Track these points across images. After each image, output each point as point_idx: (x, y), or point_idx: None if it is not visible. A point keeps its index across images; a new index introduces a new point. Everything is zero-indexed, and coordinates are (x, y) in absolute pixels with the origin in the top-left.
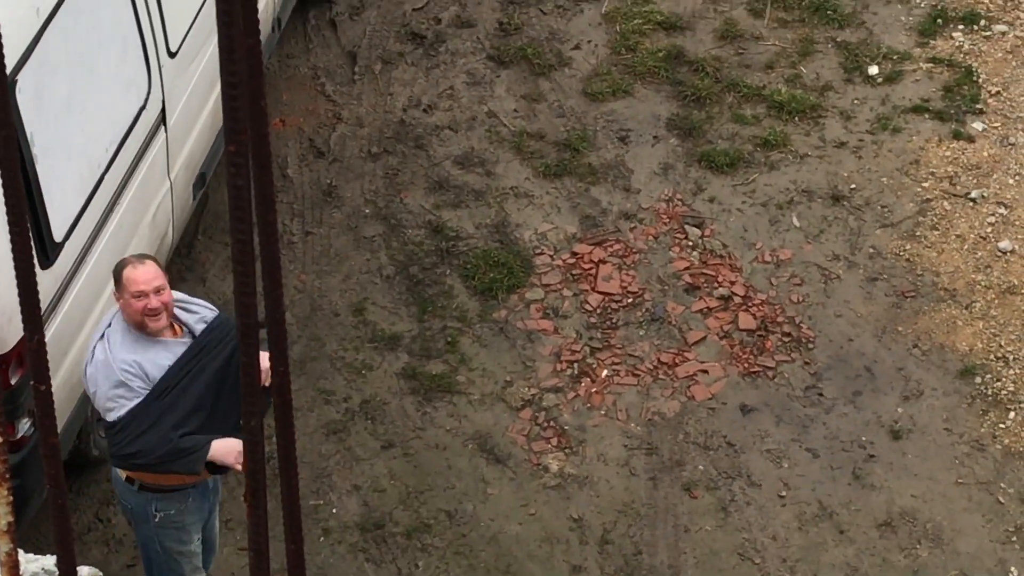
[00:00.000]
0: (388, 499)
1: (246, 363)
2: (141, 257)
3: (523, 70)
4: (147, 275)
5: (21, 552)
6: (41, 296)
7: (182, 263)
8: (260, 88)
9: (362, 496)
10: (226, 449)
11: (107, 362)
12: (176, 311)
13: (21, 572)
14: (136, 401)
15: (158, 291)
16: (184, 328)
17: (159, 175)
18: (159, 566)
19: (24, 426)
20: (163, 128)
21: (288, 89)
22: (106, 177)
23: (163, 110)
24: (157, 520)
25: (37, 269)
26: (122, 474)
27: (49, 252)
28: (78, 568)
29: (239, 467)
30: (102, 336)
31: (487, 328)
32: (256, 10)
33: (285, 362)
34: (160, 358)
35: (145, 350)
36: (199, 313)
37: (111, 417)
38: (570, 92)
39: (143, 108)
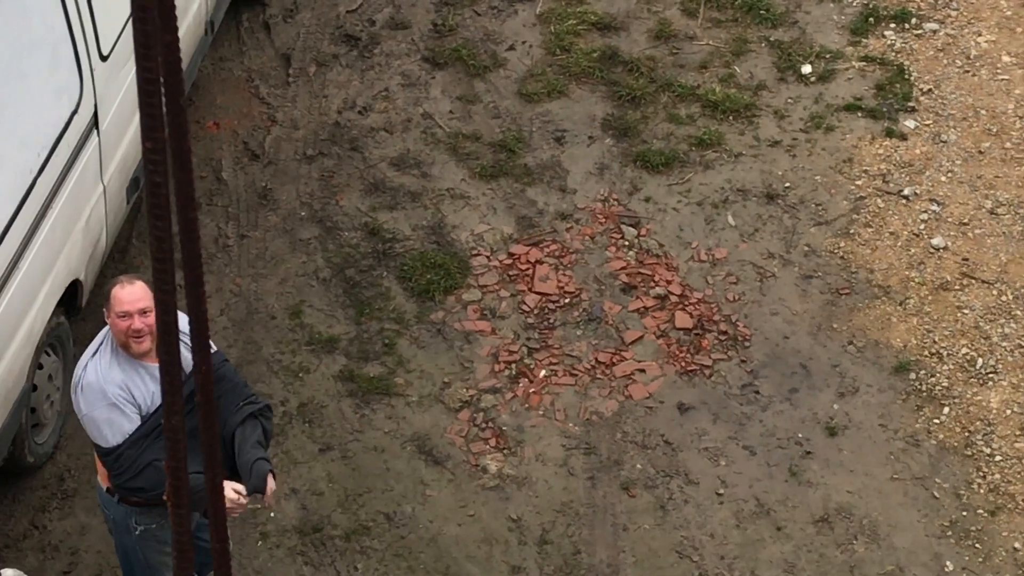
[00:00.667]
0: (326, 502)
1: (166, 360)
2: (131, 277)
3: (458, 71)
4: (133, 295)
5: None
6: None
7: (116, 267)
8: (179, 85)
9: (300, 499)
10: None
11: (99, 383)
12: None
13: None
14: (130, 428)
15: (143, 312)
16: None
17: (92, 180)
18: (141, 574)
19: None
20: (95, 132)
21: (222, 92)
22: (38, 182)
23: (95, 114)
24: (138, 533)
25: None
26: (103, 484)
27: None
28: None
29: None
30: (94, 354)
31: (425, 330)
32: (173, 5)
33: (207, 359)
34: (145, 383)
35: (131, 373)
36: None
37: (107, 443)
38: (505, 93)
39: (75, 112)
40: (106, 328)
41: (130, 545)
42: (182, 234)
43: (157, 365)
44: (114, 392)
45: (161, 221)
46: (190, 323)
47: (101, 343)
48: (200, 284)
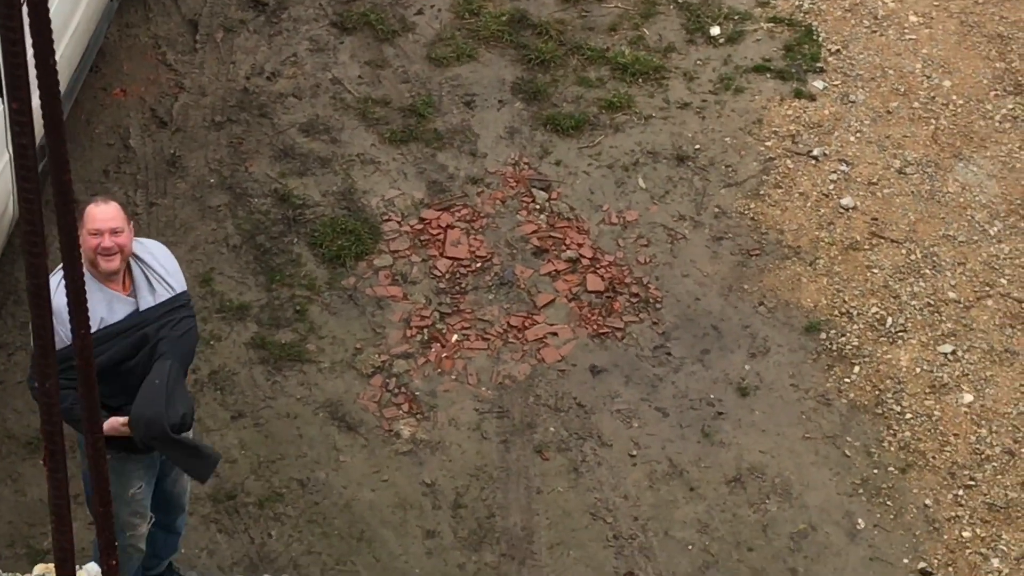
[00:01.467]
0: (239, 469)
1: (37, 323)
2: (107, 198)
3: (367, 36)
4: (106, 214)
5: None
6: None
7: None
8: (48, 43)
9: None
10: (108, 426)
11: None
12: (136, 267)
13: None
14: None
15: (114, 232)
16: (132, 288)
17: None
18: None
19: None
20: (1, 99)
21: (128, 59)
22: None
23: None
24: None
25: None
26: None
27: None
28: None
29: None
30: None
31: (336, 296)
32: None
33: (86, 323)
34: (97, 305)
35: (90, 293)
36: (158, 285)
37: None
38: (414, 57)
39: None
40: None
41: (86, 468)
42: (56, 198)
43: (117, 294)
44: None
45: (29, 183)
46: (68, 289)
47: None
48: (76, 247)
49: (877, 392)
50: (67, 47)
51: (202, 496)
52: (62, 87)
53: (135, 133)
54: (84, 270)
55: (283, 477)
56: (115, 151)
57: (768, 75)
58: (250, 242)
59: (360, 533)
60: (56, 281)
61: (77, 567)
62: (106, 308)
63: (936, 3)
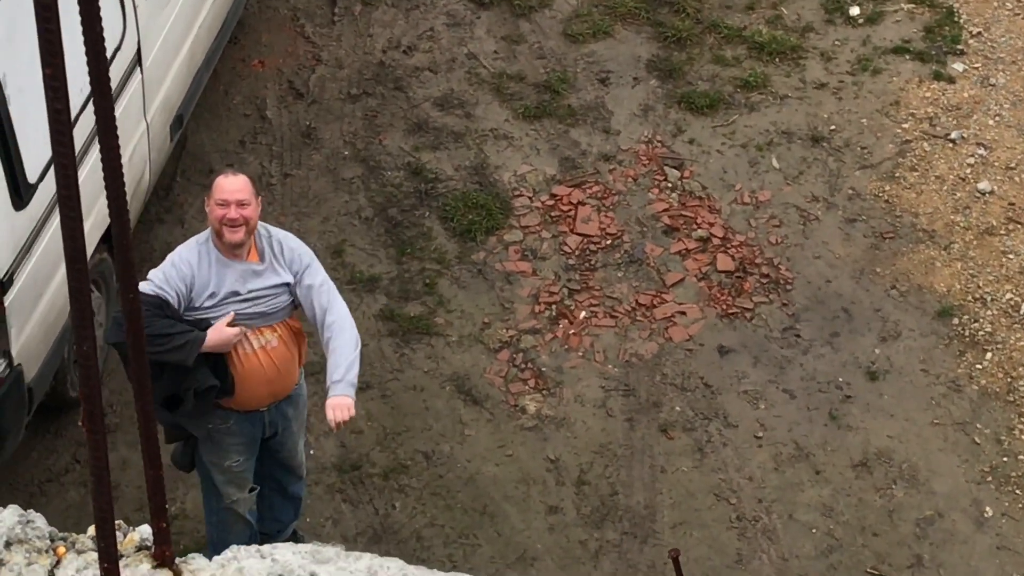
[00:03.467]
0: (365, 440)
1: (74, 288)
2: (236, 170)
3: (503, 11)
4: (234, 185)
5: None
6: (16, 238)
7: (160, 205)
8: (95, 10)
9: (339, 437)
10: (218, 335)
11: (178, 251)
12: (266, 245)
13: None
14: (160, 293)
15: (241, 204)
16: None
17: (135, 117)
18: (200, 469)
19: None
20: (139, 69)
21: (267, 31)
22: (80, 119)
23: (139, 50)
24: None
25: (11, 210)
26: None
27: (23, 194)
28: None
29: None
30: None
31: (465, 270)
32: None
33: (134, 287)
34: (227, 278)
35: (218, 267)
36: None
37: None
38: (550, 34)
39: (118, 49)
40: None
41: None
42: (105, 164)
43: (242, 264)
44: (175, 262)
45: (64, 147)
46: (115, 252)
47: (191, 239)
48: (125, 215)
49: (1009, 379)
50: (206, 18)
51: (328, 466)
52: (201, 57)
53: (271, 104)
54: (207, 244)
55: (408, 449)
56: (251, 121)
57: (907, 56)
58: (382, 215)
59: (483, 507)
60: (192, 246)
61: (131, 529)
62: (238, 278)
63: None
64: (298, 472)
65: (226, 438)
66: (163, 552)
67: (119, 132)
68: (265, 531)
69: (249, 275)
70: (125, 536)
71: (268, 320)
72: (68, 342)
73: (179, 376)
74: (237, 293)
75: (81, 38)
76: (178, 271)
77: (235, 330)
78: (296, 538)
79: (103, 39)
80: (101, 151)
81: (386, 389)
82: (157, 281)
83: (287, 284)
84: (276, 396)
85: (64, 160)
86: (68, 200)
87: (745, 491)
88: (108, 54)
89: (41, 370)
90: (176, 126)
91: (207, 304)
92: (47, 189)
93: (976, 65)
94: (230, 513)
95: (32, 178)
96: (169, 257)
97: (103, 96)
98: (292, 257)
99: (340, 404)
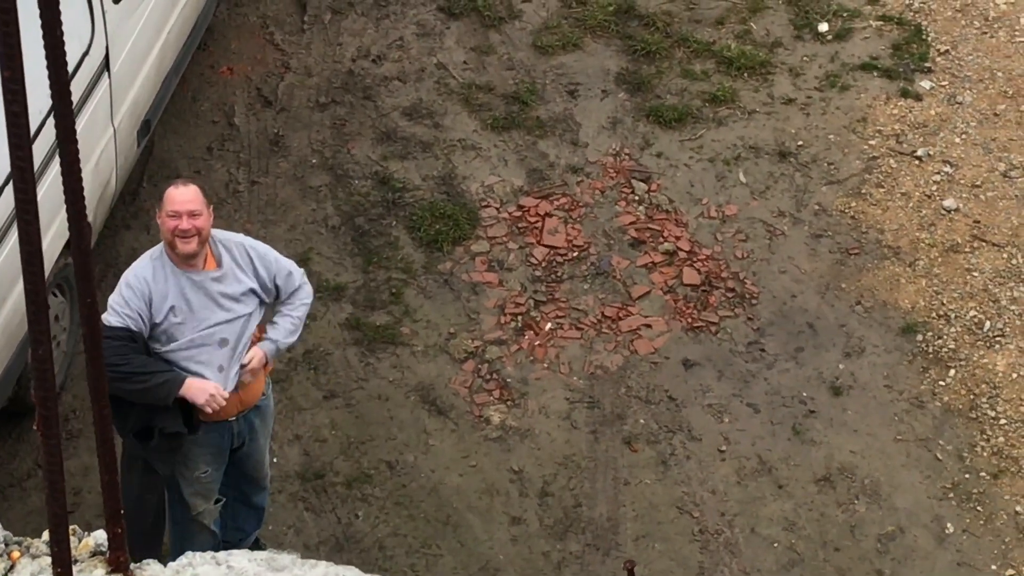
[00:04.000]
0: (329, 449)
1: (29, 288)
2: (187, 180)
3: (473, 22)
4: (185, 196)
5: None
6: None
7: (126, 210)
8: (54, 11)
9: (303, 446)
10: (199, 387)
11: (132, 270)
12: (223, 251)
13: None
14: (126, 321)
15: (192, 215)
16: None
17: (102, 122)
18: (166, 479)
19: None
20: (106, 74)
21: (236, 37)
22: (46, 124)
23: (106, 56)
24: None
25: None
26: None
27: None
28: None
29: (208, 409)
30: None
31: (432, 280)
32: None
33: (92, 293)
34: (173, 289)
35: (174, 279)
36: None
37: (104, 319)
38: (520, 45)
39: (86, 54)
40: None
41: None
42: (64, 169)
43: (199, 273)
44: (130, 281)
45: (22, 151)
46: (73, 257)
47: (145, 254)
48: (83, 217)
49: (972, 396)
50: (175, 23)
51: (291, 474)
52: (170, 63)
53: (240, 111)
54: (165, 258)
55: (372, 458)
56: (219, 128)
57: (875, 73)
58: (349, 223)
59: (447, 517)
60: (145, 262)
61: (85, 534)
62: (197, 290)
63: None
64: (263, 483)
65: (194, 448)
66: (117, 557)
67: (87, 136)
68: (227, 540)
69: (208, 282)
70: (80, 541)
71: (234, 327)
72: (29, 348)
73: (149, 412)
74: (208, 296)
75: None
76: (135, 291)
77: (214, 386)
78: (258, 546)
79: (63, 44)
80: (60, 156)
81: (351, 398)
82: (118, 308)
83: (251, 290)
84: (244, 405)
85: (22, 164)
86: (25, 204)
87: (708, 504)
88: (75, 59)
89: (2, 376)
90: (143, 131)
91: (173, 320)
92: (7, 199)
93: (943, 83)
94: (195, 524)
95: None
96: (123, 278)
97: (63, 101)
98: (262, 263)
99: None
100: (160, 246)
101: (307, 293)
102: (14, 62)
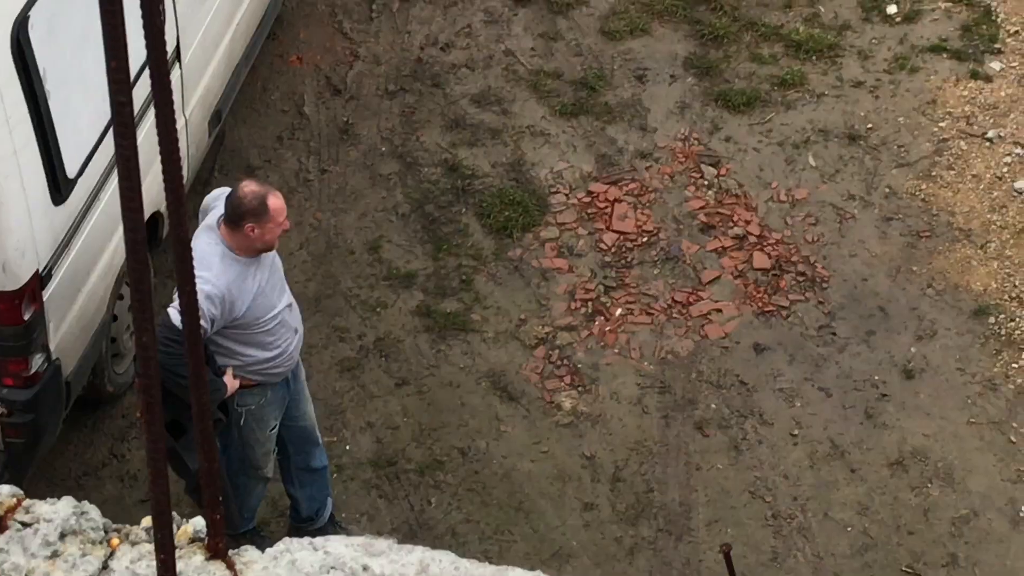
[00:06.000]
0: (401, 436)
1: (134, 278)
2: (263, 184)
3: (540, 8)
4: (284, 207)
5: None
6: (55, 233)
7: (198, 200)
8: (156, 3)
9: (375, 433)
10: (232, 389)
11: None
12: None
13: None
14: (209, 325)
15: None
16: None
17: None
18: (235, 448)
19: (37, 362)
20: (177, 65)
21: (305, 27)
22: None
23: (177, 47)
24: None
25: (50, 205)
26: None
27: (62, 188)
28: None
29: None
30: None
31: (502, 266)
32: None
33: (191, 279)
34: (253, 276)
35: (243, 275)
36: None
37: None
38: (587, 31)
39: None
40: (205, 244)
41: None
42: (163, 154)
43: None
44: (220, 289)
45: (126, 140)
46: (173, 246)
47: (212, 256)
48: (181, 205)
49: None
50: (245, 14)
51: (364, 462)
52: (240, 53)
53: (309, 100)
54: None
55: (444, 445)
56: (289, 118)
57: (944, 55)
58: (419, 211)
59: (519, 503)
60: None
61: (184, 520)
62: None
63: None
64: (316, 437)
65: (265, 409)
66: (216, 544)
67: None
68: (306, 516)
69: (273, 261)
70: (178, 528)
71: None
72: (105, 337)
73: (182, 405)
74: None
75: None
76: (213, 300)
77: (237, 383)
78: (333, 521)
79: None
80: (160, 147)
81: (422, 385)
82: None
83: None
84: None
85: (126, 152)
86: (130, 193)
87: (780, 489)
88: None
89: (79, 364)
90: (215, 122)
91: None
92: (86, 184)
93: (1014, 64)
94: (261, 481)
95: (71, 173)
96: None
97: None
98: None
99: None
100: (217, 246)
101: None
102: (120, 52)
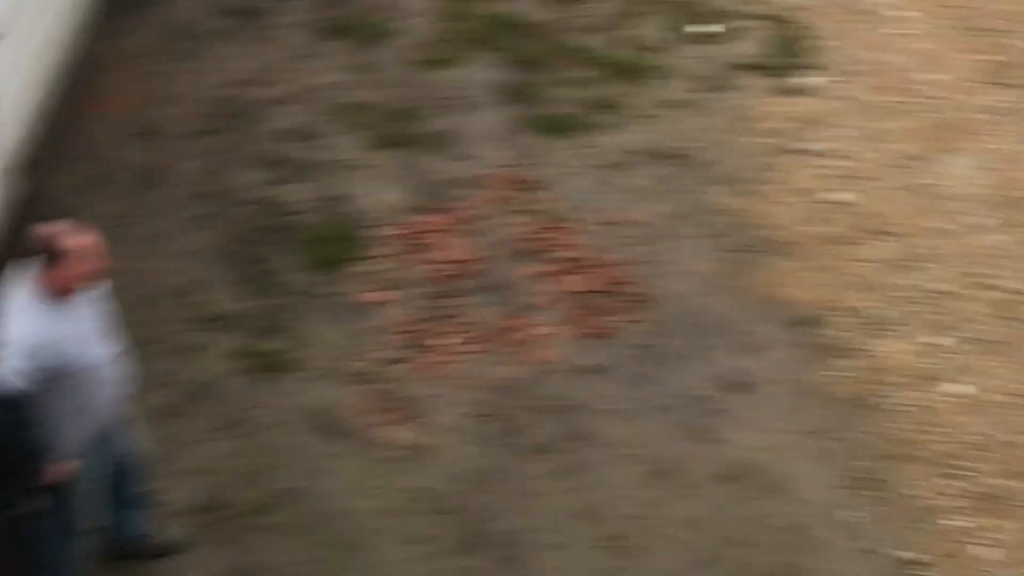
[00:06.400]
0: (226, 480)
1: None
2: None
3: (351, 41)
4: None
5: None
6: None
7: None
8: None
9: (199, 478)
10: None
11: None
12: None
13: None
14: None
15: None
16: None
17: None
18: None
19: None
20: None
21: (111, 70)
22: None
23: None
24: None
25: None
26: None
27: None
28: None
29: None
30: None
31: (323, 303)
32: None
33: None
34: (73, 320)
35: (59, 320)
36: None
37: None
38: (400, 61)
39: None
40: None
41: None
42: None
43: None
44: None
45: None
46: None
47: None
48: None
49: (870, 385)
50: (47, 61)
51: (191, 508)
52: (33, 105)
53: (117, 145)
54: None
55: (271, 487)
56: (97, 164)
57: (761, 72)
58: (233, 251)
59: (353, 541)
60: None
61: None
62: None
63: None
64: (137, 467)
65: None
66: None
67: None
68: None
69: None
70: None
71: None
72: None
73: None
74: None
75: None
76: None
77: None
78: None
79: None
80: None
81: (246, 427)
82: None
83: None
84: None
85: None
86: None
87: (614, 509)
88: None
89: None
90: (18, 170)
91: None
92: None
93: (832, 79)
94: (76, 541)
95: None
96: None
97: None
98: None
99: None
100: (27, 291)
101: None
102: None
